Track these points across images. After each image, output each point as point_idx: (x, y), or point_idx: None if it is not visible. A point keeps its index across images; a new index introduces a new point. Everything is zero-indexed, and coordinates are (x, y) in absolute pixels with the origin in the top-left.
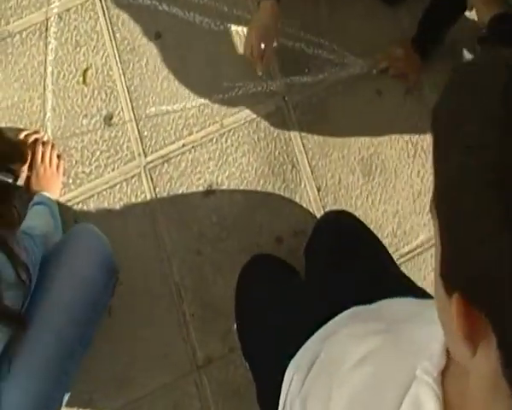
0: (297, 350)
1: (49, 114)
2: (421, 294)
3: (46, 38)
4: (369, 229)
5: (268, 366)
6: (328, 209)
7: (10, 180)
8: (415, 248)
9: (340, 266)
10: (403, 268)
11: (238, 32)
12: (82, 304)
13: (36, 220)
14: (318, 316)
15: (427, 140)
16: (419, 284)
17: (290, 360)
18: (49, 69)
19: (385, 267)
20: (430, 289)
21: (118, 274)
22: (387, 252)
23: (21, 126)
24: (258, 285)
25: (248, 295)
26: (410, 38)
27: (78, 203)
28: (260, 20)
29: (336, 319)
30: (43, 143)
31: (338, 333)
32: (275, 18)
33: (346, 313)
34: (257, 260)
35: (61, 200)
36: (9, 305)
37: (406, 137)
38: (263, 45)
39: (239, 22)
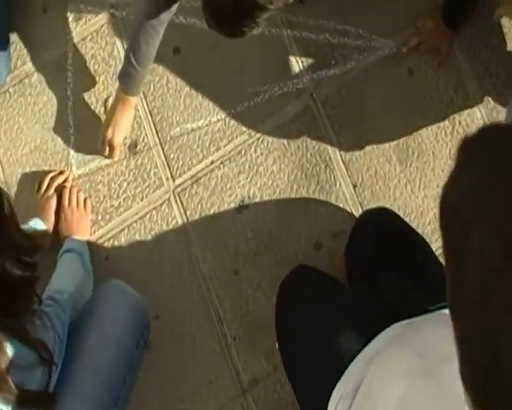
0: (344, 370)
1: (72, 152)
2: None
3: (64, 72)
4: (408, 225)
5: (312, 389)
6: (365, 206)
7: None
8: None
9: (383, 269)
10: None
11: (258, 33)
12: (115, 365)
13: (65, 279)
14: (363, 328)
15: (463, 114)
16: None
17: (336, 382)
18: (69, 104)
19: (427, 267)
20: None
21: (149, 328)
22: (429, 247)
23: (46, 168)
24: (297, 301)
25: (288, 313)
26: (438, 8)
27: (109, 239)
28: (121, 115)
29: (379, 337)
30: (68, 187)
31: (377, 363)
32: (132, 111)
33: (387, 331)
34: (295, 274)
35: (92, 238)
36: (36, 386)
37: (442, 113)
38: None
39: None
